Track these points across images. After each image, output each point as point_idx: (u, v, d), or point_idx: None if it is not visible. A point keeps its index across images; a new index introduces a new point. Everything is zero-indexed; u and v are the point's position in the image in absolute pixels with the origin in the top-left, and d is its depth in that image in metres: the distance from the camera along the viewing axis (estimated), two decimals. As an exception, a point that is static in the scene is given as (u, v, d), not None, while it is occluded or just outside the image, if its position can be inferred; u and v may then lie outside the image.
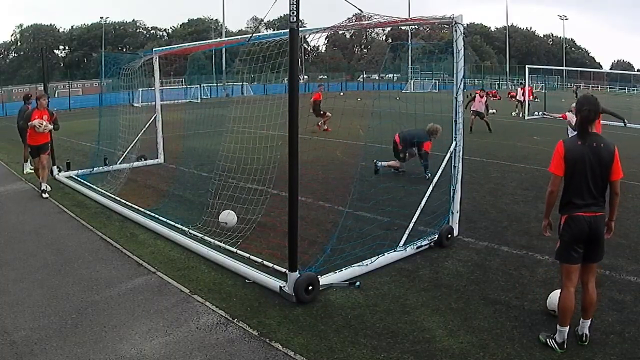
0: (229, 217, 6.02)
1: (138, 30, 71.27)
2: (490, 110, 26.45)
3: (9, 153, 13.89)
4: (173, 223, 6.35)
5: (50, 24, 66.49)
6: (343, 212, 6.14)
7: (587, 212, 3.50)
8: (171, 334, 3.89)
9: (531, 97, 23.97)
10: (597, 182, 3.51)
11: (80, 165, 10.66)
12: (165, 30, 72.19)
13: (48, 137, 8.61)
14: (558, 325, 3.58)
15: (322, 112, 16.00)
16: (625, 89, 48.33)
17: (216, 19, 69.24)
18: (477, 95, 17.19)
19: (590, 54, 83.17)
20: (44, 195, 8.28)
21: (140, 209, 7.11)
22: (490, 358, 3.50)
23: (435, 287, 4.68)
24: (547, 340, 3.63)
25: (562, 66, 57.07)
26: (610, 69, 74.61)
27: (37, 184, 9.32)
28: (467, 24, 6.23)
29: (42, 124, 8.25)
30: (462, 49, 5.58)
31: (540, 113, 24.27)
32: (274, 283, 4.54)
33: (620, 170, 3.56)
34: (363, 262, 4.96)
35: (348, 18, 5.69)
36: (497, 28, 79.58)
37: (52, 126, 8.53)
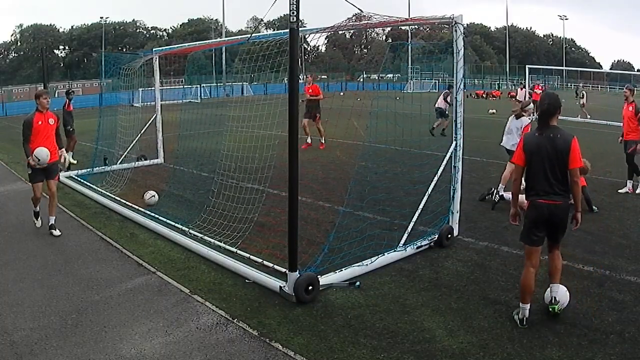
0: (154, 198, 7.55)
1: (138, 30, 71.21)
2: (490, 110, 26.52)
3: (9, 153, 13.89)
4: (173, 223, 6.35)
5: (50, 24, 66.45)
6: (342, 211, 6.14)
7: (546, 199, 3.77)
8: (171, 334, 3.89)
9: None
10: (554, 171, 3.75)
11: (80, 165, 10.66)
12: (165, 30, 72.18)
13: (57, 155, 6.59)
14: (520, 303, 3.92)
15: (318, 116, 12.46)
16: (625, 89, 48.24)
17: (216, 19, 69.20)
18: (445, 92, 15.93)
19: (590, 54, 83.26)
20: (54, 232, 6.35)
21: (140, 209, 7.11)
22: (490, 358, 3.50)
23: (435, 287, 4.68)
24: (515, 315, 3.97)
25: (562, 66, 57.03)
26: (610, 69, 74.62)
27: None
28: (467, 24, 6.22)
29: (39, 158, 6.15)
30: (462, 49, 5.58)
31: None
32: (274, 283, 4.53)
33: (577, 160, 3.76)
34: (363, 262, 4.96)
35: (348, 18, 5.70)
36: (497, 28, 79.63)
37: (65, 155, 6.48)
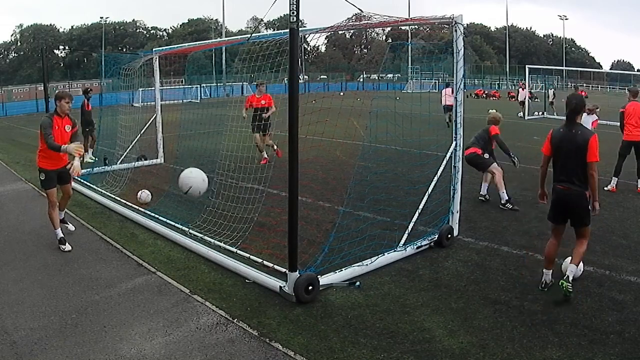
0: (147, 197, 7.68)
1: (138, 30, 71.21)
2: (490, 110, 26.52)
3: (9, 153, 13.88)
4: (173, 223, 6.35)
5: (50, 24, 66.44)
6: (342, 211, 6.14)
7: (563, 186, 4.37)
8: (171, 334, 3.89)
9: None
10: (573, 163, 4.29)
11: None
12: (165, 30, 72.18)
13: (67, 159, 5.88)
14: (543, 269, 4.56)
15: (268, 132, 10.42)
16: (625, 89, 48.21)
17: (216, 19, 69.25)
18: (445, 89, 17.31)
19: (590, 54, 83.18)
20: (65, 248, 5.79)
21: (140, 209, 7.11)
22: (490, 358, 3.50)
23: (435, 287, 4.68)
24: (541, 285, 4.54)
25: (562, 66, 57.02)
26: (610, 69, 74.53)
27: (38, 184, 9.29)
28: (467, 24, 6.23)
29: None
30: (462, 49, 5.58)
31: (541, 113, 24.30)
32: (274, 283, 4.54)
33: (594, 155, 4.23)
34: (363, 262, 4.96)
35: (348, 18, 5.69)
36: (497, 28, 79.60)
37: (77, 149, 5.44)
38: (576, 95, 4.52)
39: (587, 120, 9.04)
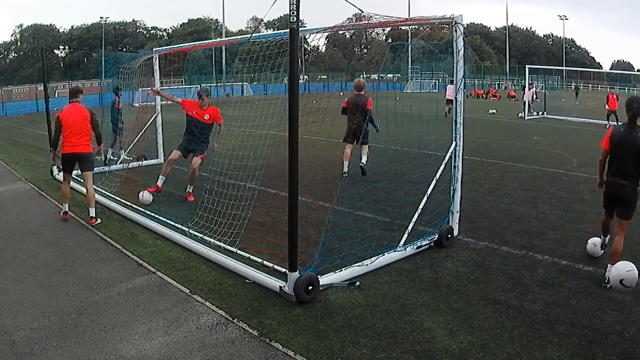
0: (149, 197, 7.61)
1: (138, 30, 71.21)
2: (490, 111, 26.55)
3: (9, 153, 13.89)
4: (173, 223, 6.34)
5: (50, 24, 66.45)
6: (342, 211, 6.14)
7: (618, 181, 4.71)
8: (171, 334, 3.89)
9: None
10: (629, 161, 4.61)
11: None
12: (165, 30, 72.20)
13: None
14: (601, 235, 5.22)
15: (203, 155, 7.87)
16: (625, 89, 48.25)
17: (216, 19, 69.26)
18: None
19: (590, 54, 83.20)
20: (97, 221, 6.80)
21: (140, 209, 7.11)
22: (490, 358, 3.50)
23: (435, 287, 4.68)
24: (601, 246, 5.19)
25: (562, 66, 57.04)
26: (610, 69, 74.57)
27: (38, 184, 9.33)
28: (467, 24, 6.22)
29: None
30: (462, 49, 5.58)
31: (540, 113, 24.31)
32: (274, 283, 4.53)
33: None
34: (363, 262, 4.96)
35: (348, 18, 5.70)
36: (497, 28, 79.61)
37: None
38: (637, 98, 4.85)
39: None
